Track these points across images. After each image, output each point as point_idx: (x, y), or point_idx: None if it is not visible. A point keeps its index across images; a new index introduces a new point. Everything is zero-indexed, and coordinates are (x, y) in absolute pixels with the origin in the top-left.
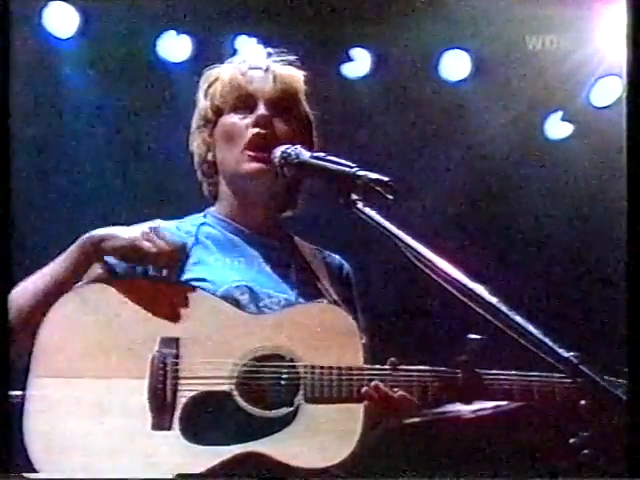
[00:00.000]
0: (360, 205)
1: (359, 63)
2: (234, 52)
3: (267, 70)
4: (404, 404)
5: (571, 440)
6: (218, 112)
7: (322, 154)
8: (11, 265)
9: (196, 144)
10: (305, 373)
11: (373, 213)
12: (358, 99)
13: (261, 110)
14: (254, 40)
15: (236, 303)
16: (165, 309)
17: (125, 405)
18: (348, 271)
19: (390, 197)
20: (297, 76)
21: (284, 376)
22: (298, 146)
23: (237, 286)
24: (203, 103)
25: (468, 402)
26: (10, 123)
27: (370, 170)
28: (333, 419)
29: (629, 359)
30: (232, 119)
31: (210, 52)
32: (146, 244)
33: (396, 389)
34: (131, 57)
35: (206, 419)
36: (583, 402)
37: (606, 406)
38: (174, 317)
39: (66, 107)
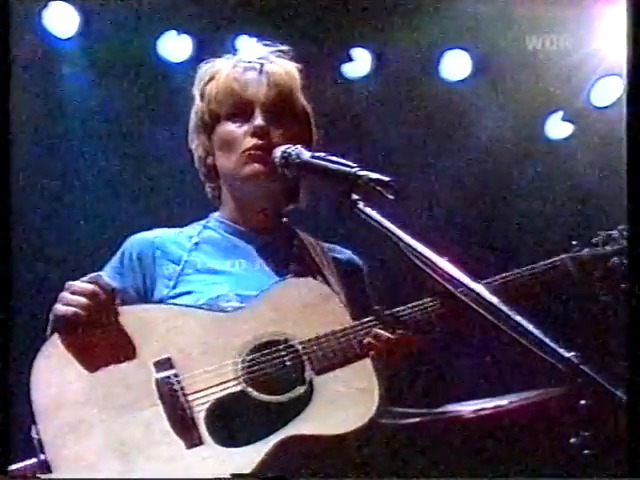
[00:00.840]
0: (361, 205)
1: (360, 63)
2: (234, 52)
3: (261, 72)
4: (406, 341)
5: (572, 440)
6: (215, 117)
7: (322, 154)
8: (11, 273)
9: (194, 145)
10: (304, 348)
11: (374, 213)
12: (359, 99)
13: (258, 120)
14: (254, 40)
15: (220, 311)
16: (145, 334)
17: (150, 437)
18: (359, 266)
19: (391, 197)
20: (292, 72)
21: (286, 358)
22: (298, 146)
23: (220, 295)
24: (200, 104)
25: (456, 323)
26: (10, 123)
27: (371, 170)
28: (348, 381)
29: (629, 359)
30: (229, 127)
31: (211, 52)
32: (62, 308)
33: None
34: (132, 57)
35: (232, 422)
36: (584, 402)
37: (607, 406)
38: (157, 339)
39: (66, 107)
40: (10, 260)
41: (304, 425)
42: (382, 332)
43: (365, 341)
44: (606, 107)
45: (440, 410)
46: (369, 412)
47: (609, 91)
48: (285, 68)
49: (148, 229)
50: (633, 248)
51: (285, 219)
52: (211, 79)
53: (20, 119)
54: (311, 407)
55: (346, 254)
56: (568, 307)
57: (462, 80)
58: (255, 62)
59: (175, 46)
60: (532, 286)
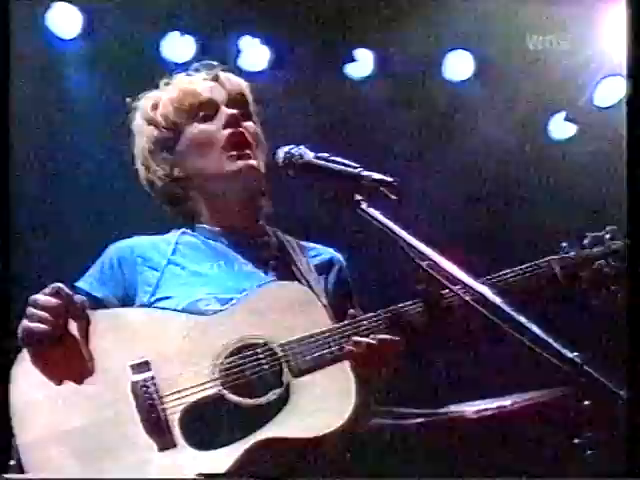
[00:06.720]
0: (364, 205)
1: (362, 63)
2: (238, 52)
3: (217, 79)
4: (389, 345)
5: (575, 440)
6: (176, 127)
7: (326, 154)
8: (11, 272)
9: (153, 169)
10: (283, 351)
11: (377, 213)
12: (361, 99)
13: (227, 111)
14: (257, 41)
15: (200, 314)
16: (124, 336)
17: (123, 439)
18: (340, 264)
19: (394, 197)
20: (244, 83)
21: (264, 361)
22: (302, 146)
23: (199, 299)
24: (148, 128)
25: (438, 322)
26: (13, 123)
27: (374, 170)
28: (325, 384)
29: (629, 359)
30: (199, 127)
31: (214, 52)
32: (29, 325)
33: (373, 336)
34: (135, 58)
35: (207, 425)
36: (587, 402)
37: (610, 406)
38: (137, 342)
39: (69, 108)
40: (9, 260)
41: (279, 428)
42: (361, 339)
43: (345, 349)
44: (609, 107)
45: (443, 410)
46: (344, 415)
47: (612, 91)
48: (239, 79)
49: (147, 230)
50: (633, 245)
51: (261, 221)
52: (157, 104)
53: (23, 119)
54: (287, 410)
55: (326, 253)
56: (557, 310)
57: (465, 80)
58: (208, 74)
59: (178, 47)
60: (518, 288)
